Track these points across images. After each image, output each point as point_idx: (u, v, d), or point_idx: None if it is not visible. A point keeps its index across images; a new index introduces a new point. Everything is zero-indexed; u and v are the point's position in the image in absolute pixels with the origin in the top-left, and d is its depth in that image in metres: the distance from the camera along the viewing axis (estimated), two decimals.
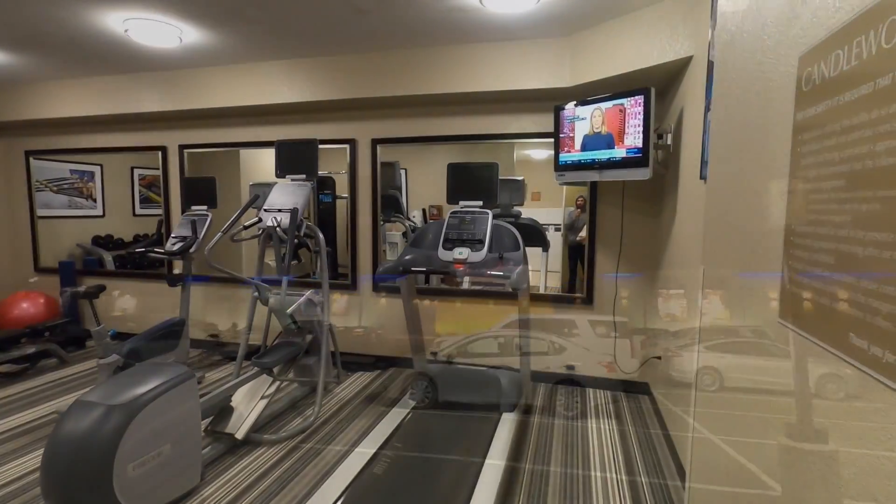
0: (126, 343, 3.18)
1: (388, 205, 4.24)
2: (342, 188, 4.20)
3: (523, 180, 4.09)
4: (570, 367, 3.66)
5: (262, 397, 2.88)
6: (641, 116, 2.75)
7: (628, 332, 3.51)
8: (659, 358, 3.10)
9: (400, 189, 4.46)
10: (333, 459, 2.56)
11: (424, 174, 4.10)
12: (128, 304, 4.81)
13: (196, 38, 3.29)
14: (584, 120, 3.08)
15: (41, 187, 5.04)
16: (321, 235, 3.19)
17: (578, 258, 3.84)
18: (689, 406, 2.18)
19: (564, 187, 4.17)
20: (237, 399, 2.92)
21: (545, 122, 3.56)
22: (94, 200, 5.05)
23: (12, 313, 4.53)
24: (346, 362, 3.96)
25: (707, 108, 2.13)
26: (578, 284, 3.76)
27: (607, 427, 3.01)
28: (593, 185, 3.57)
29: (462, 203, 3.00)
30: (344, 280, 4.11)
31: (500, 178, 3.01)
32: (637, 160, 2.81)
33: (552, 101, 3.50)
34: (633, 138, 2.81)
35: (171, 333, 3.48)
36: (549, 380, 3.71)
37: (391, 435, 2.55)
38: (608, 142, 2.96)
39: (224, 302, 4.47)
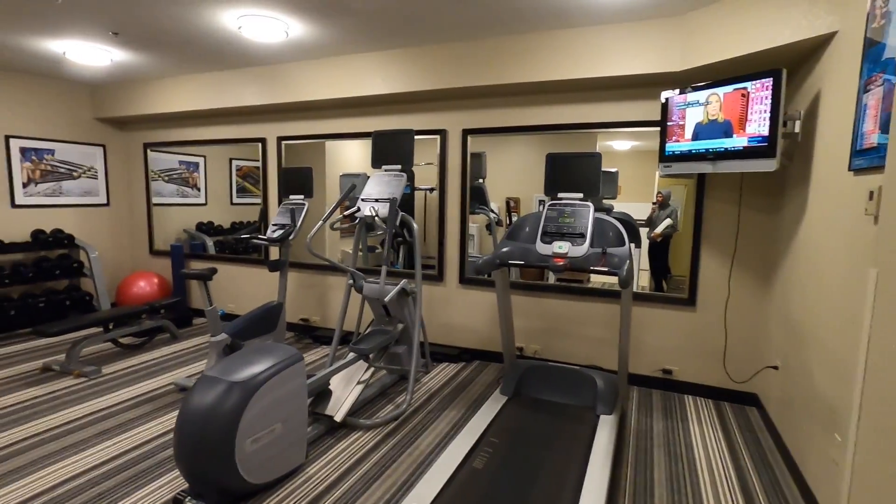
0: (232, 323, 3.39)
1: (473, 196, 4.20)
2: (420, 180, 4.22)
3: (617, 172, 3.89)
4: (667, 371, 3.45)
5: (359, 382, 2.95)
6: (769, 101, 2.49)
7: (737, 337, 3.24)
8: (776, 367, 2.83)
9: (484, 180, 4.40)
10: (428, 449, 2.58)
11: (502, 165, 4.01)
12: (227, 286, 5.15)
13: (300, 33, 3.41)
14: (698, 106, 2.85)
15: (155, 177, 5.51)
16: (415, 226, 3.21)
17: (658, 256, 3.62)
18: (831, 425, 1.96)
19: (657, 181, 3.92)
20: (334, 382, 3.02)
21: (644, 110, 3.36)
22: (198, 189, 5.43)
23: (131, 291, 5.00)
24: (432, 352, 4.00)
25: (864, 89, 1.87)
26: (670, 283, 3.53)
27: (713, 437, 2.80)
28: (700, 179, 3.32)
29: (561, 195, 2.89)
30: (429, 271, 4.14)
31: None
32: (761, 150, 2.55)
33: (655, 87, 3.30)
34: (758, 125, 2.56)
35: (270, 316, 3.67)
36: (643, 383, 3.52)
37: (486, 429, 2.51)
38: (725, 130, 2.72)
39: (314, 288, 4.66)
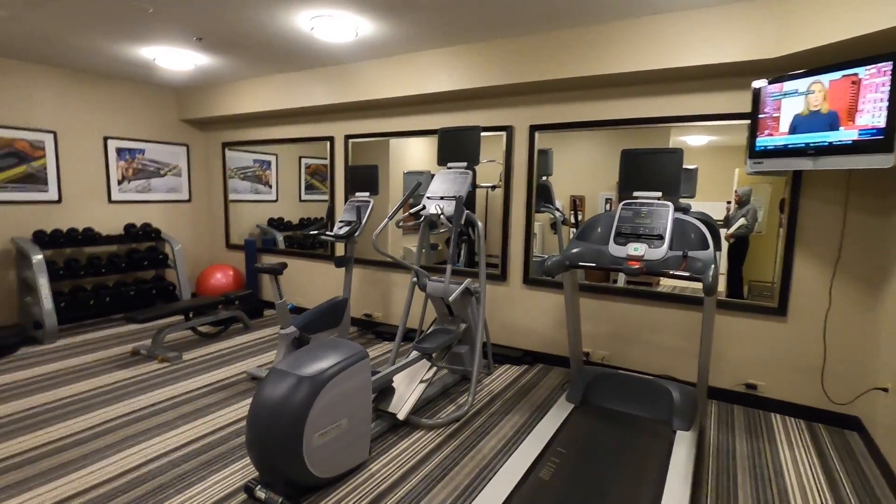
0: (300, 317, 3.48)
1: (538, 194, 4.07)
2: (481, 177, 4.14)
3: (696, 169, 3.62)
4: (751, 386, 3.17)
5: (421, 381, 2.94)
6: (887, 88, 2.20)
7: (839, 353, 2.92)
8: (885, 390, 2.51)
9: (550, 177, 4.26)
10: (491, 454, 2.52)
11: (567, 162, 3.85)
12: (296, 280, 5.34)
13: (369, 31, 3.44)
14: (797, 96, 2.58)
15: (232, 175, 5.81)
16: (480, 224, 3.14)
17: (734, 259, 3.33)
18: None
19: (736, 178, 3.61)
20: (397, 380, 3.02)
21: (727, 102, 3.10)
22: (270, 186, 5.66)
23: (209, 282, 5.30)
24: (494, 353, 3.92)
25: None
26: (752, 289, 3.24)
27: (807, 462, 2.53)
28: (795, 177, 3.01)
29: (637, 194, 2.72)
30: (492, 270, 4.06)
31: None
32: (874, 144, 2.26)
33: (742, 76, 3.03)
34: (872, 116, 2.27)
35: (336, 311, 3.74)
36: (724, 398, 3.26)
37: (553, 438, 2.41)
38: (831, 122, 2.44)
39: (378, 284, 4.72)
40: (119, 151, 5.17)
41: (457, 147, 3.30)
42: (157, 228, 5.32)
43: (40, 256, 4.21)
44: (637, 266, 2.42)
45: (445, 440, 2.66)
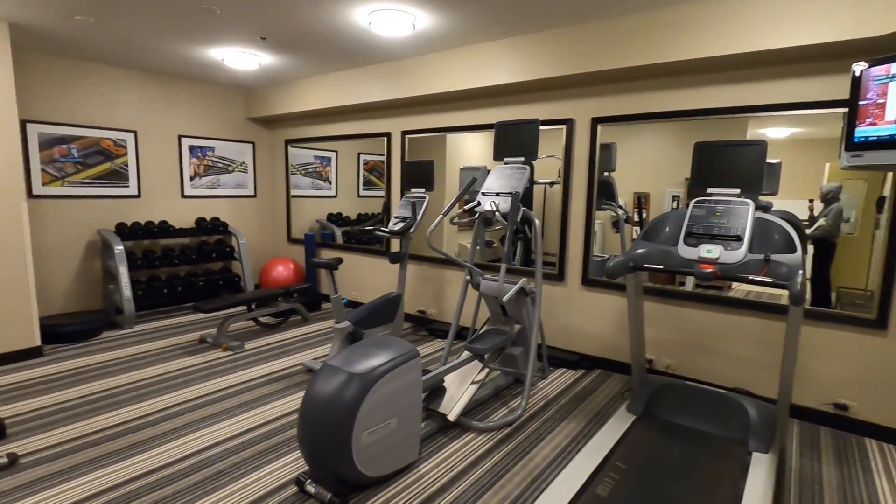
0: (354, 312, 3.51)
1: (600, 191, 3.87)
2: (539, 173, 3.98)
3: (779, 164, 3.29)
4: (842, 406, 2.84)
5: (473, 382, 2.87)
6: None
7: None
8: None
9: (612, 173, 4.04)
10: (544, 463, 2.40)
11: (631, 157, 3.60)
12: (352, 274, 5.43)
13: (427, 24, 3.38)
14: None
15: (294, 171, 5.99)
16: (537, 222, 3.02)
17: (819, 263, 2.97)
18: None
19: (827, 174, 3.23)
20: (449, 380, 2.97)
21: (816, 89, 2.78)
22: (330, 182, 5.77)
23: (271, 275, 5.50)
24: (549, 357, 3.78)
25: None
26: (843, 297, 2.89)
27: None
28: None
29: (711, 190, 2.49)
30: (549, 269, 3.91)
31: None
32: None
33: (837, 58, 2.70)
34: None
35: (389, 307, 3.75)
36: (808, 417, 2.95)
37: (612, 451, 2.26)
38: None
39: (432, 281, 4.69)
40: (191, 149, 5.47)
41: (514, 141, 3.18)
42: (225, 222, 5.57)
43: (121, 247, 4.53)
44: (710, 270, 2.21)
45: (496, 445, 2.57)
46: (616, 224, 4.26)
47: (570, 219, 3.80)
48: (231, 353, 3.91)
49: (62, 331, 4.08)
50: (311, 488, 2.09)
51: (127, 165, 4.96)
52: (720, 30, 2.81)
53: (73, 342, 4.12)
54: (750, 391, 3.10)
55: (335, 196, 5.75)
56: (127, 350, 3.94)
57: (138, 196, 5.06)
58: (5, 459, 2.30)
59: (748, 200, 2.33)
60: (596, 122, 3.60)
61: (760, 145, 2.37)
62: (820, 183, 3.12)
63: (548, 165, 3.94)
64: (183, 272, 5.42)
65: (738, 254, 2.18)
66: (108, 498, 2.08)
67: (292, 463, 2.37)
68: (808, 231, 3.03)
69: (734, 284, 3.32)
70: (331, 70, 4.80)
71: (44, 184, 4.43)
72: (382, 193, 5.10)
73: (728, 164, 2.44)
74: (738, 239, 2.22)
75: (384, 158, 5.00)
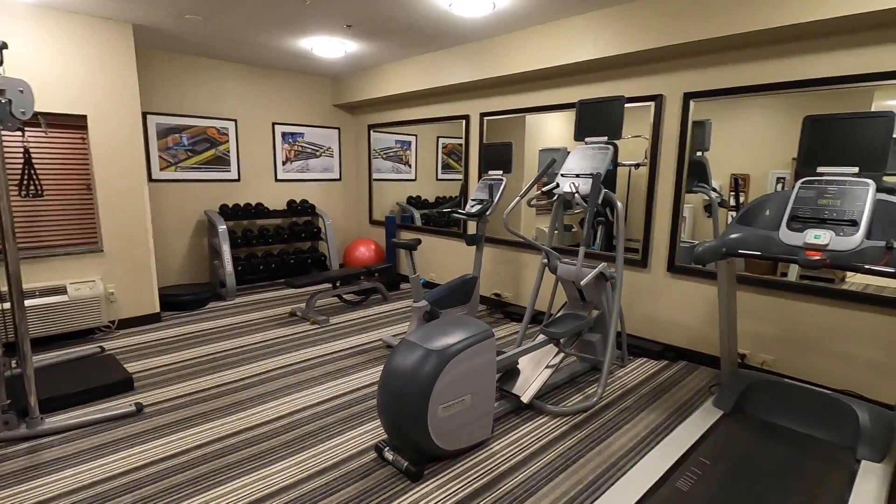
0: (432, 292, 3.60)
1: (691, 172, 3.61)
2: (623, 155, 3.77)
3: None
4: None
5: (548, 366, 2.85)
6: None
7: None
8: None
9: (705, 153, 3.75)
10: (620, 452, 2.34)
11: (728, 135, 3.30)
12: (429, 256, 5.55)
13: (508, 2, 3.32)
14: None
15: (376, 155, 6.20)
16: (620, 205, 2.89)
17: None
18: None
19: None
20: (523, 363, 2.97)
21: None
22: (410, 166, 5.91)
23: (354, 255, 5.78)
24: (630, 345, 3.64)
25: None
26: None
27: None
28: None
29: (822, 169, 2.24)
30: (632, 255, 3.74)
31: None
32: None
33: None
34: None
35: (466, 288, 3.80)
36: None
37: (694, 445, 2.15)
38: None
39: (508, 264, 4.68)
40: (283, 135, 5.84)
41: (596, 120, 3.06)
42: (313, 204, 5.92)
43: (224, 227, 4.98)
44: (818, 257, 2.01)
45: (570, 430, 2.54)
46: (708, 208, 3.97)
47: (656, 202, 3.60)
48: (318, 327, 4.18)
49: (177, 300, 4.60)
50: (389, 455, 2.21)
51: (228, 152, 5.41)
52: None
53: (186, 310, 4.63)
54: (863, 395, 2.79)
55: (415, 179, 5.87)
56: (229, 319, 4.36)
57: (238, 180, 5.52)
58: (133, 407, 2.66)
59: (868, 181, 2.07)
60: (688, 97, 3.35)
61: (887, 117, 2.08)
62: None
63: (633, 146, 3.74)
64: (276, 250, 5.85)
65: (853, 240, 1.96)
66: (215, 448, 2.35)
67: (372, 431, 2.51)
68: None
69: (848, 275, 2.98)
70: (411, 54, 4.87)
71: (161, 169, 4.97)
72: (460, 176, 5.14)
73: (844, 140, 2.18)
74: (854, 224, 1.99)
75: (462, 141, 5.02)
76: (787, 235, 2.13)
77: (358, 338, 3.93)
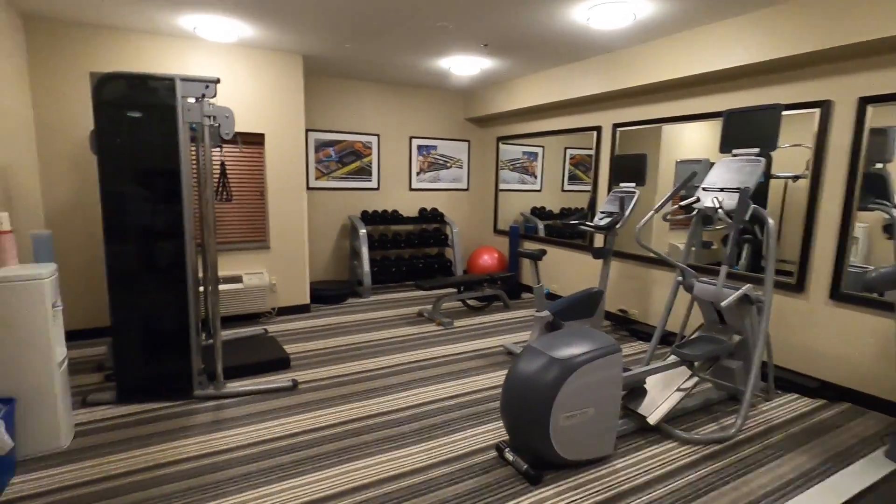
0: (555, 303, 3.62)
1: (866, 186, 3.14)
2: (778, 166, 3.39)
3: None
4: None
5: (678, 389, 2.70)
6: None
7: None
8: None
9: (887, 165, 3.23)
10: (761, 492, 2.15)
11: None
12: (552, 267, 5.53)
13: (649, 12, 3.24)
14: None
15: (503, 166, 6.36)
16: (772, 222, 2.65)
17: None
18: None
19: None
20: (651, 382, 2.85)
21: None
22: (535, 177, 5.96)
23: (478, 262, 5.98)
24: (778, 378, 3.28)
25: None
26: None
27: None
28: None
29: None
30: (784, 278, 3.37)
31: None
32: None
33: None
34: None
35: (590, 302, 3.74)
36: None
37: (857, 497, 1.90)
38: None
39: (636, 280, 4.49)
40: (419, 148, 6.28)
41: (747, 130, 2.84)
42: (442, 213, 6.26)
43: (364, 230, 5.51)
44: None
45: (702, 460, 2.39)
46: (889, 228, 3.44)
47: (817, 219, 3.20)
48: (442, 328, 4.43)
49: (323, 294, 5.20)
50: (509, 456, 2.30)
51: (370, 163, 5.98)
52: None
53: (330, 304, 5.21)
54: None
55: (539, 190, 5.90)
56: (365, 315, 4.81)
57: (377, 189, 6.06)
58: (291, 383, 3.11)
59: None
60: (865, 101, 2.94)
61: None
62: None
63: (787, 157, 3.38)
64: (407, 254, 6.30)
65: None
66: (355, 426, 2.65)
67: (493, 431, 2.62)
68: None
69: None
70: (542, 68, 4.94)
71: (316, 178, 5.67)
72: (587, 188, 5.06)
73: None
74: None
75: (592, 153, 4.94)
76: None
77: (480, 342, 4.08)
